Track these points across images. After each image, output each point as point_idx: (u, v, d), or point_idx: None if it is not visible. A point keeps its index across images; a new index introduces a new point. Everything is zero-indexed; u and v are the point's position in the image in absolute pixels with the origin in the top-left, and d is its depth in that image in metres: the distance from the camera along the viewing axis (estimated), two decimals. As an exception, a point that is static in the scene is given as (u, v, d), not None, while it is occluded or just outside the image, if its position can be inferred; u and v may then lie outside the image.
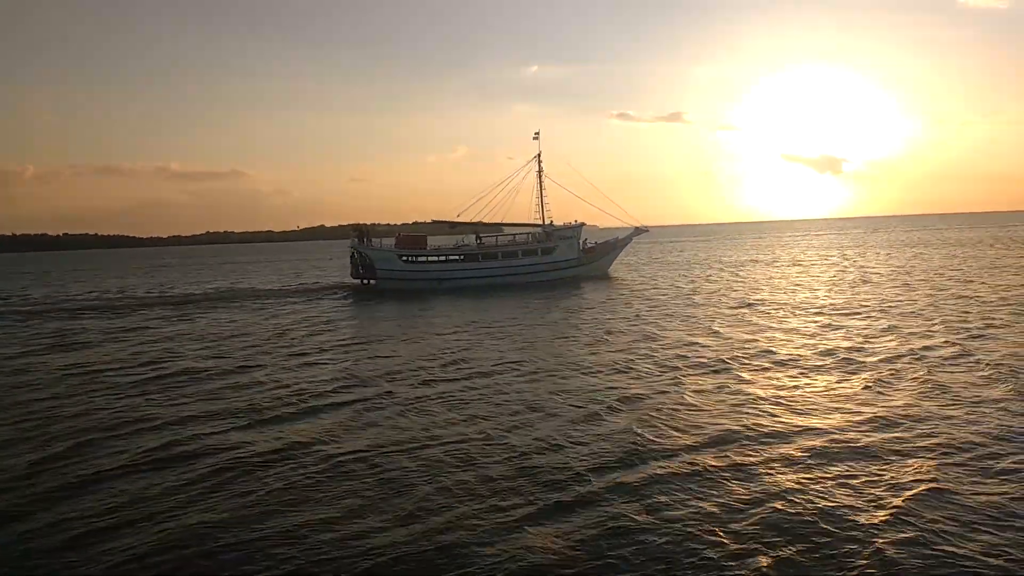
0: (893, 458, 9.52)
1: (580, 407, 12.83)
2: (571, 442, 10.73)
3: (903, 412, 11.62)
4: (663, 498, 8.43)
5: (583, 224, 46.84)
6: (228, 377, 16.89)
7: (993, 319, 21.04)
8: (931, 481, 8.59)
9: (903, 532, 7.29)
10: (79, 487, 9.42)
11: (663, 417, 11.86)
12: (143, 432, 11.99)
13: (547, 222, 46.13)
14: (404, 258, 43.55)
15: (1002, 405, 11.81)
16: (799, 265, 51.59)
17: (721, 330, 21.30)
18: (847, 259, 55.35)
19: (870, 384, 13.66)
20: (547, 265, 44.93)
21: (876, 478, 8.84)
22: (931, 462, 9.27)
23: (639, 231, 48.72)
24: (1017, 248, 58.56)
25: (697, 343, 19.12)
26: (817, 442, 10.26)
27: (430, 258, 44.40)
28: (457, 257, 44.35)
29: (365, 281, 44.05)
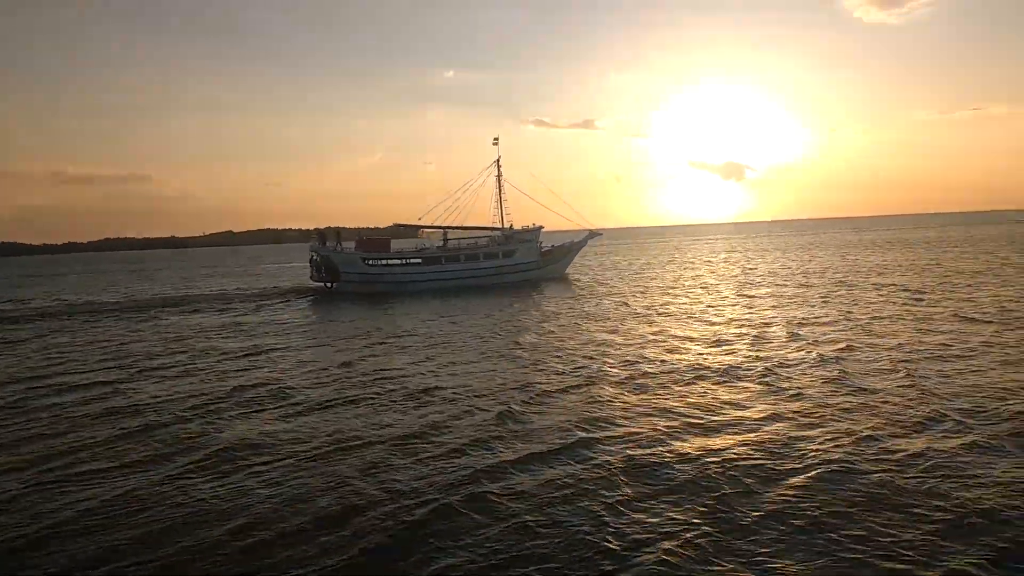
0: (730, 455, 10.04)
1: (448, 417, 12.80)
2: (426, 452, 10.85)
3: (748, 407, 12.48)
4: (509, 502, 8.75)
5: (542, 227, 48.15)
6: (117, 385, 16.78)
7: (849, 318, 22.81)
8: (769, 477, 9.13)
9: (730, 528, 7.74)
10: None
11: (520, 420, 12.33)
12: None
13: (507, 225, 47.15)
14: (368, 261, 43.39)
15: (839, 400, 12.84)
16: (690, 267, 54.82)
17: (601, 334, 22.17)
18: (734, 262, 58.45)
19: (722, 382, 14.68)
20: (508, 268, 45.88)
21: (699, 475, 9.32)
22: (770, 460, 9.75)
23: (593, 235, 50.57)
24: (886, 251, 63.12)
25: (572, 347, 19.84)
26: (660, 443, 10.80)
27: (394, 261, 44.39)
28: (419, 260, 44.57)
29: (328, 284, 43.60)
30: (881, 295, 28.95)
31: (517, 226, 47.82)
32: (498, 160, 47.40)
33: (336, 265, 43.13)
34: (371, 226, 46.53)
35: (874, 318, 22.55)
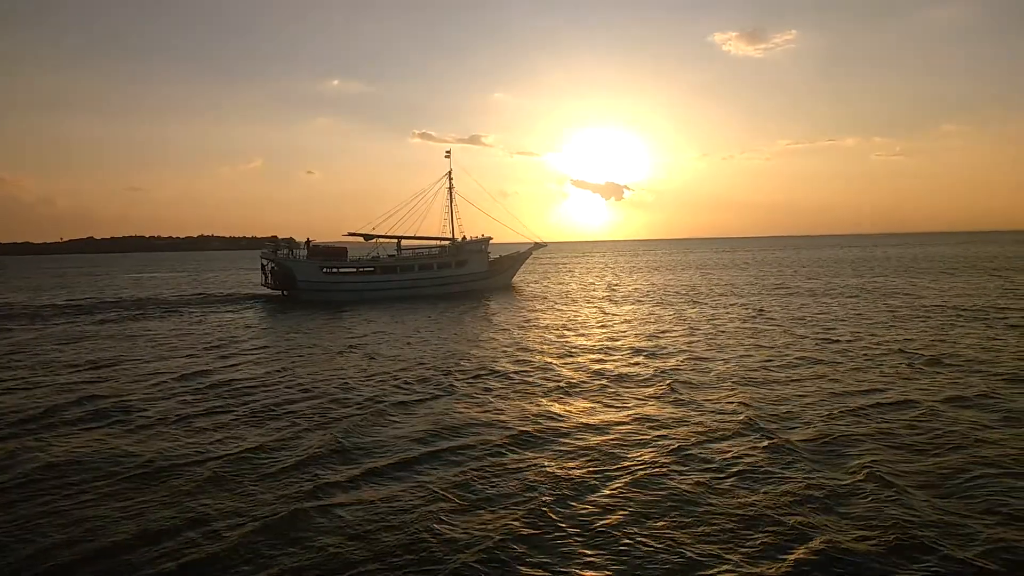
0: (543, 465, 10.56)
1: (288, 425, 13.08)
2: (258, 463, 10.93)
3: (576, 420, 13.07)
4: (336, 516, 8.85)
5: (490, 238, 49.98)
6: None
7: (693, 334, 24.20)
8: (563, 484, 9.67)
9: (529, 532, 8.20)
10: None
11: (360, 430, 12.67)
12: None
13: (460, 237, 48.60)
14: (325, 269, 43.39)
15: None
16: (564, 283, 56.75)
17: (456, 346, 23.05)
18: (601, 279, 61.29)
19: (560, 390, 15.60)
20: (460, 277, 47.33)
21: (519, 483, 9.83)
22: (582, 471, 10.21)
23: (538, 246, 53.03)
24: (744, 270, 68.88)
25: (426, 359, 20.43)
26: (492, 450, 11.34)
27: (350, 269, 44.61)
28: (375, 269, 45.08)
29: (283, 292, 43.34)
30: (728, 312, 31.11)
31: (466, 236, 49.36)
32: (450, 173, 48.92)
33: (293, 273, 42.81)
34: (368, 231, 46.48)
35: (718, 333, 24.15)
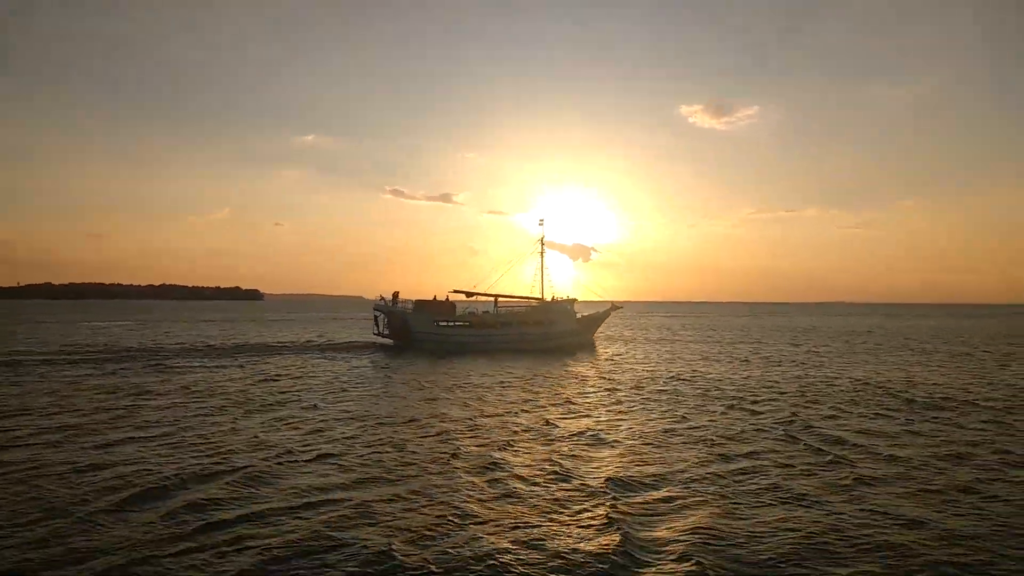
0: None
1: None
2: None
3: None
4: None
5: (575, 299, 53.54)
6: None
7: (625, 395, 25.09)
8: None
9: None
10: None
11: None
12: None
13: (550, 298, 52.05)
14: (437, 323, 46.29)
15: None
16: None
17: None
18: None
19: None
20: (551, 335, 50.54)
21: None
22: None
23: (615, 307, 56.78)
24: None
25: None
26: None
27: (459, 324, 47.63)
28: (479, 324, 48.22)
29: (396, 341, 46.20)
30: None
31: (554, 297, 52.79)
32: (542, 239, 52.76)
33: (410, 325, 45.53)
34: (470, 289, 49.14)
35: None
